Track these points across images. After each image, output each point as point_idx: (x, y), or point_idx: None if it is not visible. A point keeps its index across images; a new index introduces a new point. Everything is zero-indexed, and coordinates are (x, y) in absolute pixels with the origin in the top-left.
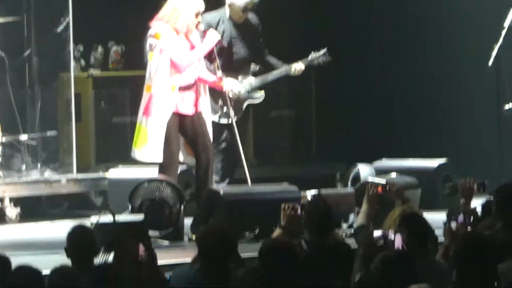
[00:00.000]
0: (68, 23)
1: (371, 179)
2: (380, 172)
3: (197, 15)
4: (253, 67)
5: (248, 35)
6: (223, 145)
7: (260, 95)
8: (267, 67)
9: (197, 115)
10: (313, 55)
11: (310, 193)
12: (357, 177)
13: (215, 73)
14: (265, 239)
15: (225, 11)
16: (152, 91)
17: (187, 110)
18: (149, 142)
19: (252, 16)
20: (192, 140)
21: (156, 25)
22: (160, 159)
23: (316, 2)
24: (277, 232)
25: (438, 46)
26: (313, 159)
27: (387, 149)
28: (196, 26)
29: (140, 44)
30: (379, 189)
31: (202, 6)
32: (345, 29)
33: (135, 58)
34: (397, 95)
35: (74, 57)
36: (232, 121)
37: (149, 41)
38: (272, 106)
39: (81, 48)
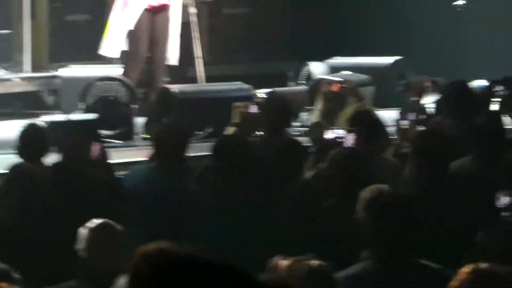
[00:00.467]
0: None
1: (324, 77)
2: (333, 70)
3: None
4: None
5: None
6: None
7: None
8: None
9: (165, 12)
10: None
11: (263, 92)
12: (309, 75)
13: None
14: (219, 137)
15: None
16: None
17: (155, 2)
18: (109, 36)
19: None
20: (152, 37)
21: None
22: (116, 55)
23: None
24: (230, 130)
25: None
26: (265, 57)
27: (340, 46)
28: None
29: None
30: (335, 86)
31: None
32: None
33: None
34: None
35: None
36: (191, 19)
37: None
38: (225, 3)
39: None
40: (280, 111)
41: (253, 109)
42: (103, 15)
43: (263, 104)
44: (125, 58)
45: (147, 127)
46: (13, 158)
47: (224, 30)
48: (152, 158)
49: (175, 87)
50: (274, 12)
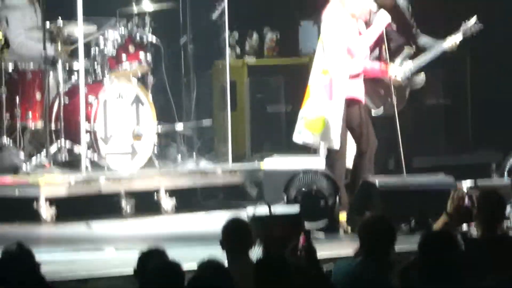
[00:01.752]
0: (223, 10)
1: None
2: None
3: None
4: (408, 50)
5: (399, 18)
6: (383, 135)
7: (421, 79)
8: (421, 48)
9: (359, 103)
10: (464, 26)
11: (466, 184)
12: None
13: (378, 60)
14: (425, 231)
15: None
16: (330, 75)
17: (357, 96)
18: (329, 128)
19: None
20: (355, 128)
21: (332, 8)
22: (338, 146)
23: None
24: (442, 219)
25: None
26: (467, 149)
27: None
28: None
29: (295, 31)
30: None
31: None
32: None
33: (290, 45)
34: None
35: (229, 44)
36: (394, 111)
37: (324, 24)
38: (427, 94)
39: (236, 35)
40: (496, 205)
41: (468, 200)
42: None
43: (478, 197)
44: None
45: (349, 219)
46: (217, 252)
47: (426, 121)
48: (357, 253)
49: (376, 179)
50: (475, 103)
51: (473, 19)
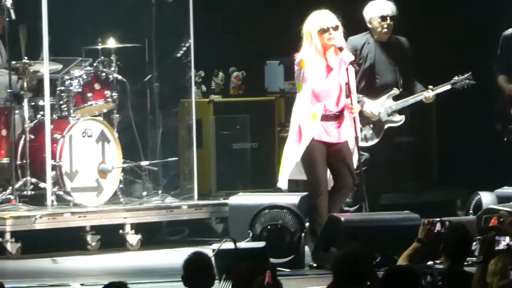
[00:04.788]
0: (189, 49)
1: (492, 206)
2: (502, 200)
3: (323, 31)
4: (393, 91)
5: (394, 58)
6: (362, 168)
7: (400, 119)
8: (409, 92)
9: (343, 144)
10: (456, 79)
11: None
12: (478, 205)
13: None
14: (389, 265)
15: (371, 34)
16: (297, 120)
17: (331, 139)
18: (282, 169)
19: (403, 40)
20: (333, 167)
21: (302, 50)
22: (285, 186)
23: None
24: (413, 245)
25: None
26: (433, 186)
27: (510, 176)
28: (329, 42)
29: (260, 70)
30: (494, 220)
31: (326, 22)
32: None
33: (256, 84)
34: None
35: (195, 83)
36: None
37: (296, 69)
38: (394, 131)
39: (202, 73)
40: (462, 239)
41: (439, 227)
42: (269, 144)
43: (446, 230)
44: (308, 188)
45: (315, 255)
46: (180, 287)
47: (392, 158)
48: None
49: (341, 216)
50: (442, 140)
51: (467, 75)
